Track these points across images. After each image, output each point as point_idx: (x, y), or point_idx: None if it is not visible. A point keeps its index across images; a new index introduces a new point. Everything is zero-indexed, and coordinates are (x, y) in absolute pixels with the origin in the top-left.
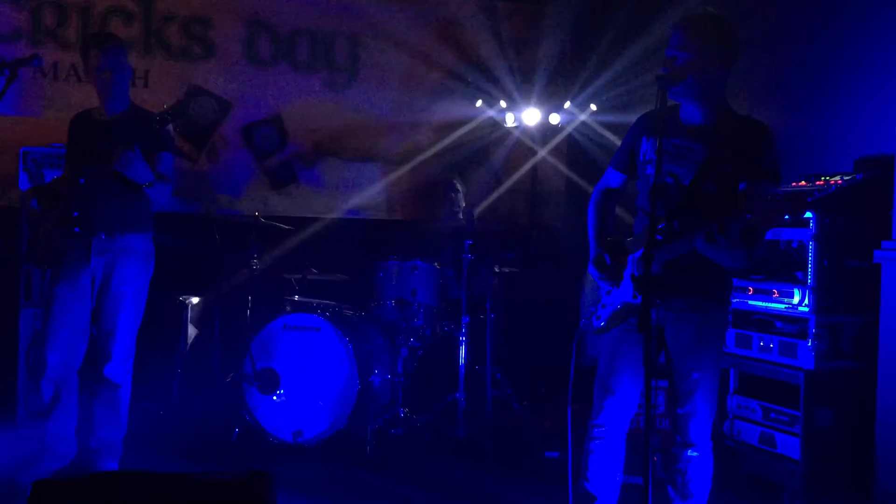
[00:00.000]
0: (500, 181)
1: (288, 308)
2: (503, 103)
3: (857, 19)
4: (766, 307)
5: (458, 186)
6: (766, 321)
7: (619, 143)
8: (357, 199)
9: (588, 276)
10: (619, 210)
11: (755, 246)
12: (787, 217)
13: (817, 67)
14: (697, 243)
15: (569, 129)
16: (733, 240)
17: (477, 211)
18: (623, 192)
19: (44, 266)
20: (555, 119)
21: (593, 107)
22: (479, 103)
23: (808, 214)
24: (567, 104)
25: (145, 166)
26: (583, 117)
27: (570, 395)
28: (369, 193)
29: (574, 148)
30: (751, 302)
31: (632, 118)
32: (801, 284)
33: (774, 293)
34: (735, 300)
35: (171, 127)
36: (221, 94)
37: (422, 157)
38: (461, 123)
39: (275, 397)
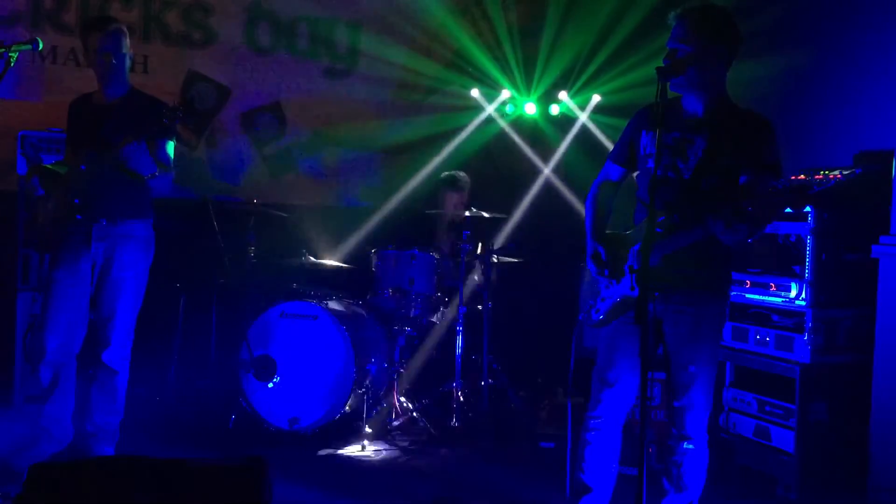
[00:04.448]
0: (499, 170)
1: (285, 296)
2: (503, 93)
3: (857, 14)
4: (763, 300)
5: (463, 188)
6: (763, 314)
7: (619, 133)
8: (356, 188)
9: (587, 270)
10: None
11: (755, 233)
12: (788, 210)
13: (817, 62)
14: (715, 229)
15: (569, 119)
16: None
17: (475, 201)
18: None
19: (44, 251)
20: (555, 109)
21: (594, 98)
22: (479, 93)
23: (807, 209)
24: (567, 95)
25: (149, 160)
26: (583, 109)
27: (570, 387)
28: (368, 182)
29: (574, 138)
30: (748, 295)
31: (633, 108)
32: (799, 278)
33: (772, 287)
34: (732, 293)
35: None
36: (221, 80)
37: (421, 147)
38: (461, 112)
39: (271, 384)
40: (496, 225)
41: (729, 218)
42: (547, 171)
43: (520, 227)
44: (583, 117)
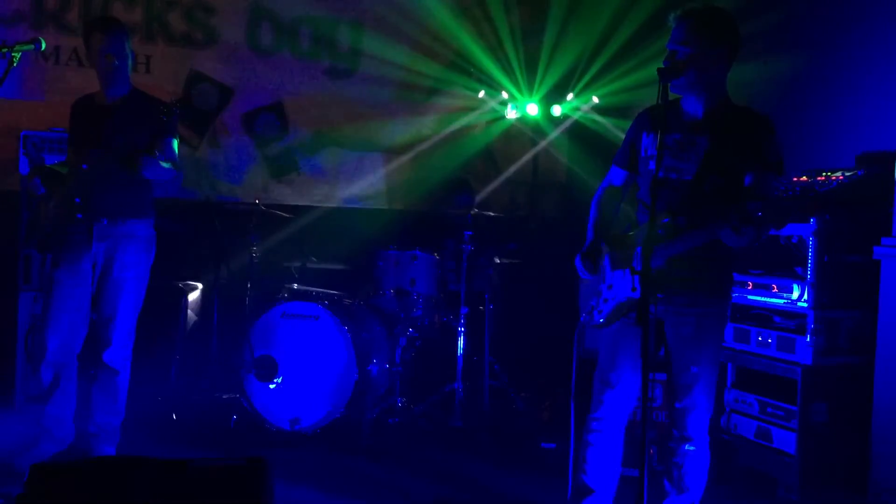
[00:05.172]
0: (500, 172)
1: (287, 296)
2: (505, 93)
3: (859, 16)
4: (765, 302)
5: (466, 191)
6: (765, 316)
7: (621, 134)
8: (357, 188)
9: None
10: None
11: (761, 236)
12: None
13: (820, 63)
14: (722, 234)
15: (570, 120)
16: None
17: (477, 202)
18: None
19: (45, 251)
20: (557, 110)
21: (595, 98)
22: (481, 93)
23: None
24: (569, 96)
25: (163, 167)
26: (585, 109)
27: (574, 388)
28: (370, 182)
29: (575, 139)
30: (750, 297)
31: (634, 110)
32: (801, 280)
33: (774, 288)
34: (734, 295)
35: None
36: (223, 80)
37: (423, 147)
38: (463, 113)
39: (273, 385)
40: (498, 226)
41: (737, 224)
42: (548, 170)
43: (521, 228)
44: (583, 108)
